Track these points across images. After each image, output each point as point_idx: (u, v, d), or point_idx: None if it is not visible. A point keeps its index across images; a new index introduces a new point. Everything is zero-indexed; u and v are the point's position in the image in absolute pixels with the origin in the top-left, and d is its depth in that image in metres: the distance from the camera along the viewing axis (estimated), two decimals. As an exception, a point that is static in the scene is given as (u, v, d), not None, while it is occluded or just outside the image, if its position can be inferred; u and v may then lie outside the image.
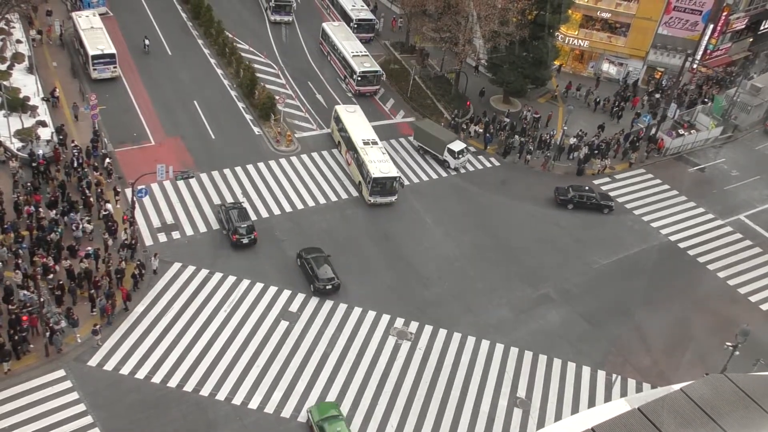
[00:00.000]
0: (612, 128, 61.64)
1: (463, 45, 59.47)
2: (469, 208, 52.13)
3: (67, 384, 35.10)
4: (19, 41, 57.01)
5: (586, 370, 41.28)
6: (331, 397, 36.98)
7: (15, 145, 47.26)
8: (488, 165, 56.95)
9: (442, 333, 41.85)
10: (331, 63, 65.08)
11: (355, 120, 53.70)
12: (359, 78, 60.26)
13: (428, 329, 41.92)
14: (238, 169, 50.90)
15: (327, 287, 42.26)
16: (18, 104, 49.58)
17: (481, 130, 59.18)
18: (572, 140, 59.22)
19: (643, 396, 13.33)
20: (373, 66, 61.25)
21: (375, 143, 51.29)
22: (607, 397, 39.71)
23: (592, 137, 60.16)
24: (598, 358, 42.19)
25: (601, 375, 41.19)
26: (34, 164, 45.57)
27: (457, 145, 55.11)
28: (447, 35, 60.37)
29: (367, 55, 62.14)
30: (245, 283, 42.48)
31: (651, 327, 44.88)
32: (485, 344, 41.65)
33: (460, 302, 44.19)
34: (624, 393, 40.21)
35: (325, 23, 66.98)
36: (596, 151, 58.56)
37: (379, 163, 49.48)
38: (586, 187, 54.40)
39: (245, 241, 44.17)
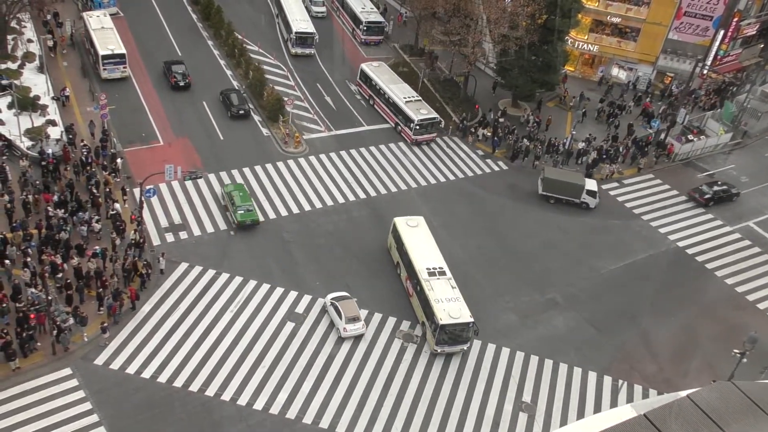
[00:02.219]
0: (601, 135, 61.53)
1: (472, 48, 59.45)
2: (476, 211, 52.06)
3: (74, 382, 35.21)
4: (30, 40, 57.31)
5: (592, 376, 41.15)
6: (336, 400, 36.98)
7: (25, 143, 47.48)
8: (496, 169, 56.86)
9: (448, 336, 41.74)
10: (376, 108, 60.31)
11: (417, 238, 44.03)
12: (417, 127, 55.98)
13: (434, 332, 41.82)
14: (246, 170, 50.99)
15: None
16: (28, 103, 49.84)
17: (489, 134, 59.11)
18: (581, 145, 59.09)
19: (649, 402, 13.26)
20: (430, 112, 56.84)
21: (443, 273, 41.66)
22: (613, 403, 39.55)
23: (601, 142, 60.02)
24: (605, 364, 42.05)
25: (608, 381, 41.04)
26: (43, 163, 45.76)
27: (593, 184, 54.15)
28: (456, 38, 60.36)
29: (420, 100, 58.11)
30: (252, 283, 42.53)
31: (658, 333, 44.70)
32: (491, 348, 41.57)
33: (467, 306, 44.01)
34: (630, 399, 40.08)
35: (364, 64, 62.22)
36: (605, 156, 58.42)
37: (448, 303, 39.91)
38: (718, 181, 56.84)
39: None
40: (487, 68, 67.76)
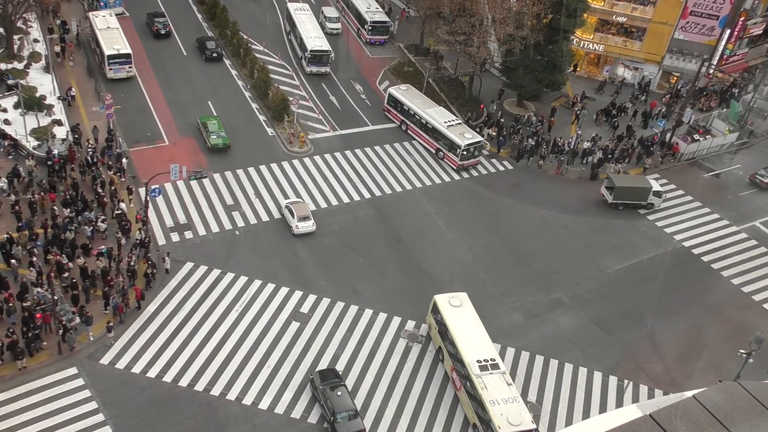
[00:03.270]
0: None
1: (478, 48, 59.39)
2: (482, 211, 52.02)
3: (80, 382, 35.33)
4: (36, 40, 57.48)
5: (597, 376, 41.08)
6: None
7: (31, 143, 47.63)
8: (501, 168, 56.79)
9: (453, 336, 41.70)
10: (410, 133, 57.62)
11: (463, 321, 38.55)
12: (464, 152, 53.69)
13: (439, 332, 41.80)
14: (251, 170, 51.04)
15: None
16: (34, 103, 49.97)
17: (494, 134, 59.03)
18: (586, 144, 58.98)
19: (654, 402, 13.23)
20: (474, 136, 54.55)
21: (495, 366, 36.15)
22: (619, 403, 39.50)
23: (607, 142, 59.92)
24: (610, 364, 41.97)
25: (613, 381, 40.97)
26: (49, 163, 45.88)
27: (657, 185, 54.52)
28: (461, 38, 60.30)
29: (461, 123, 56.09)
30: (257, 283, 42.58)
31: (664, 333, 44.59)
32: (496, 348, 41.39)
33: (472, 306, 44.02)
34: (635, 399, 40.02)
35: (392, 88, 59.09)
36: (610, 156, 58.29)
37: (505, 405, 34.30)
38: None
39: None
40: (492, 68, 67.66)
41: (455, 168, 54.69)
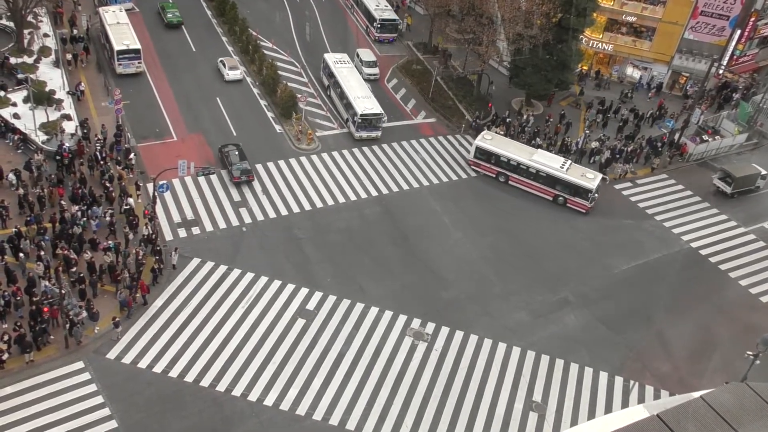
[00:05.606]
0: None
1: (487, 46, 59.27)
2: (489, 210, 51.93)
3: (86, 376, 35.44)
4: (46, 35, 57.63)
5: (603, 376, 40.98)
6: (346, 397, 37.01)
7: (40, 137, 47.78)
8: (509, 167, 56.65)
9: (459, 335, 41.73)
10: (513, 184, 53.98)
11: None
12: (596, 196, 52.25)
13: (445, 330, 41.82)
14: (259, 166, 51.07)
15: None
16: (44, 97, 50.11)
17: (502, 133, 58.91)
18: (594, 144, 58.81)
19: (662, 403, 13.20)
20: (596, 175, 52.47)
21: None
22: (624, 404, 39.39)
23: (615, 141, 59.74)
24: (616, 364, 41.87)
25: (619, 381, 40.86)
26: (58, 157, 46.02)
27: (758, 168, 56.63)
28: (470, 36, 60.17)
29: (573, 163, 53.10)
30: (263, 280, 42.63)
31: (671, 334, 44.45)
32: (502, 347, 41.48)
33: (478, 304, 44.03)
34: (641, 400, 39.88)
35: (479, 140, 54.33)
36: (618, 156, 58.11)
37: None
38: None
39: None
40: (501, 67, 67.55)
41: (584, 212, 52.32)
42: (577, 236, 51.02)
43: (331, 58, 60.49)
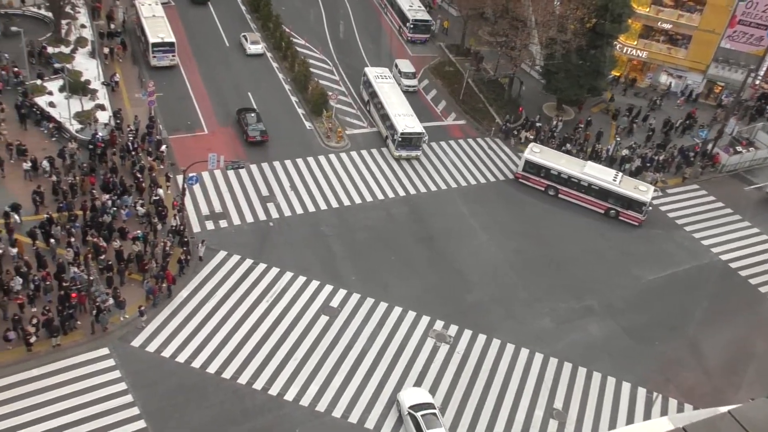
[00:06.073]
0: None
1: (519, 50, 58.96)
2: (517, 215, 51.68)
3: (111, 362, 35.88)
4: (83, 26, 58.43)
5: (626, 386, 40.57)
6: (366, 396, 37.03)
7: (74, 126, 48.47)
8: (538, 172, 56.37)
9: (482, 338, 41.59)
10: (564, 197, 53.18)
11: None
12: (650, 208, 51.31)
13: (468, 333, 41.69)
14: (288, 162, 51.34)
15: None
16: (79, 87, 50.82)
17: (532, 137, 58.59)
18: (624, 152, 58.23)
19: (686, 416, 13.00)
20: (649, 187, 52.12)
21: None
22: (647, 416, 38.96)
23: (645, 149, 59.09)
24: (640, 375, 41.41)
25: (642, 392, 40.43)
26: (91, 146, 46.63)
27: None
28: (503, 39, 59.90)
29: (624, 176, 52.74)
30: (288, 275, 42.83)
31: (697, 347, 43.88)
32: (524, 353, 41.25)
33: (502, 309, 43.85)
34: (664, 412, 39.42)
35: (528, 154, 53.62)
36: (649, 164, 57.47)
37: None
38: None
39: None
40: (533, 70, 67.16)
41: (638, 224, 51.89)
42: (605, 244, 50.56)
43: (371, 72, 58.61)
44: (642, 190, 51.48)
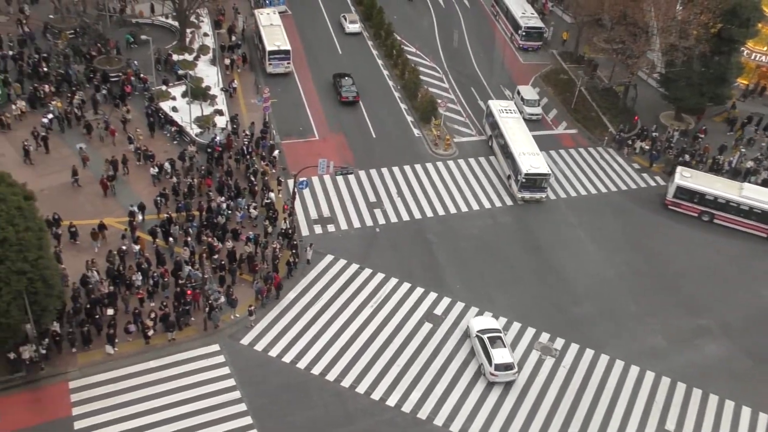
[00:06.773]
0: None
1: (637, 57, 56.92)
2: (628, 227, 49.84)
3: (221, 359, 37.15)
4: (206, 35, 61.12)
5: (746, 411, 38.26)
6: (469, 405, 36.66)
7: (194, 130, 50.71)
8: (652, 184, 54.20)
9: (589, 353, 40.32)
10: (720, 223, 50.67)
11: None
12: None
13: (574, 348, 40.54)
14: (395, 169, 51.69)
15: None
16: (200, 93, 53.15)
17: (647, 147, 56.42)
18: (749, 164, 55.06)
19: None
20: None
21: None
22: (768, 444, 36.63)
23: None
24: (761, 400, 38.93)
25: (764, 418, 38.02)
26: (209, 150, 48.61)
27: None
28: (619, 46, 58.01)
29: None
30: (393, 281, 43.05)
31: (825, 374, 40.84)
32: (634, 370, 39.67)
33: (611, 324, 42.36)
34: (787, 442, 36.91)
35: (681, 179, 50.69)
36: (776, 178, 54.13)
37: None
38: None
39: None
40: (651, 78, 64.69)
41: None
42: (722, 260, 47.98)
43: (496, 105, 55.27)
44: None
